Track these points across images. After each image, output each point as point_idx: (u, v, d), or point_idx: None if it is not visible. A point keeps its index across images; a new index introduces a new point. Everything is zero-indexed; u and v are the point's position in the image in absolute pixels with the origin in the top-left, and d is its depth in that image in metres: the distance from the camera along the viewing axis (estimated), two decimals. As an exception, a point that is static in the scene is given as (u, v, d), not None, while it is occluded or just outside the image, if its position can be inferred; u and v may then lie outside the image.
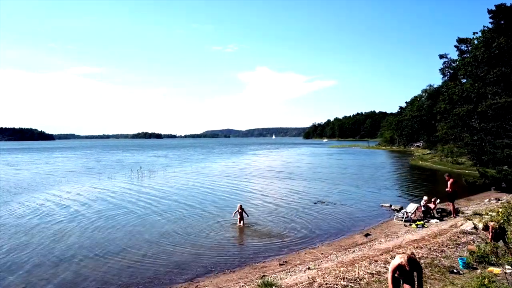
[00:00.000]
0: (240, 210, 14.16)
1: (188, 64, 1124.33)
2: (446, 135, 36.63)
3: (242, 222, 14.19)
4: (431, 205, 14.53)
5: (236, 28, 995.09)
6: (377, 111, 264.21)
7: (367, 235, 12.11)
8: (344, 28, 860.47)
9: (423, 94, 65.31)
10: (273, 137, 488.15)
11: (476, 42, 30.64)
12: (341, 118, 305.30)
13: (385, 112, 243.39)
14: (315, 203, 18.56)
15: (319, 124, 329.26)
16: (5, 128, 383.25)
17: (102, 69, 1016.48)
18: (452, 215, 14.36)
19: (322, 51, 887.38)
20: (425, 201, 14.60)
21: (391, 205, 17.37)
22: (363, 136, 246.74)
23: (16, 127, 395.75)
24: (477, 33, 31.33)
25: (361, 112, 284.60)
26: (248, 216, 14.49)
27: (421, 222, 13.13)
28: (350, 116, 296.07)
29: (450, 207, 14.69)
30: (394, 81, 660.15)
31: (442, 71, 57.13)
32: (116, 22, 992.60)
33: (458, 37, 57.05)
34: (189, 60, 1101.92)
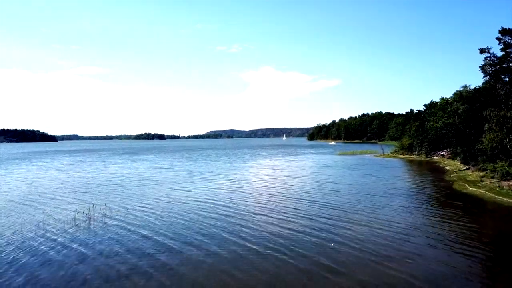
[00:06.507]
0: None
1: (191, 65, 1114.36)
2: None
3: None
4: None
5: (240, 28, 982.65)
6: (383, 112, 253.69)
7: None
8: (348, 27, 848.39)
9: (456, 98, 54.95)
10: (284, 138, 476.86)
11: None
12: (346, 119, 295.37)
13: (393, 113, 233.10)
14: None
15: (323, 125, 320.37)
16: (7, 130, 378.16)
17: (105, 70, 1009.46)
18: None
19: (326, 50, 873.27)
20: None
21: None
22: (370, 138, 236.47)
23: (18, 129, 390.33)
24: None
25: (367, 113, 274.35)
26: None
27: None
28: (355, 117, 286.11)
29: None
30: (400, 80, 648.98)
31: (483, 68, 46.82)
32: (119, 22, 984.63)
33: (502, 27, 46.89)
34: (192, 61, 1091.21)
